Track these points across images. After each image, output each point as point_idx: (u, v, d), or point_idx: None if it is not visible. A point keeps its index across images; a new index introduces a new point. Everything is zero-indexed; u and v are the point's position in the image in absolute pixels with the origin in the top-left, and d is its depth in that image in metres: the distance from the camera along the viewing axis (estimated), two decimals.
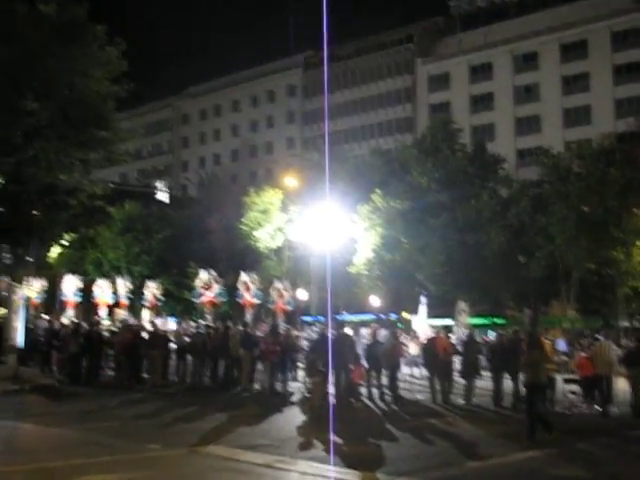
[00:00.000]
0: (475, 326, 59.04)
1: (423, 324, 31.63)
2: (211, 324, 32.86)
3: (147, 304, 47.21)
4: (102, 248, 67.32)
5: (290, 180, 54.52)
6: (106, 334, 30.51)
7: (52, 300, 53.98)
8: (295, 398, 24.78)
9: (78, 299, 49.09)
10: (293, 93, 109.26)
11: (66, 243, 71.12)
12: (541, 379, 17.59)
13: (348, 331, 27.94)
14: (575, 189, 47.25)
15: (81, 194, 31.61)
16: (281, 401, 23.13)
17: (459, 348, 25.81)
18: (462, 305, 53.72)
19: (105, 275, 60.09)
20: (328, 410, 17.89)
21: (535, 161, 57.22)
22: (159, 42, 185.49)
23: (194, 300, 45.29)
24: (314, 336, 30.22)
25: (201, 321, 38.18)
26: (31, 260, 42.57)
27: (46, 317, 40.23)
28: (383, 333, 29.57)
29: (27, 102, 27.70)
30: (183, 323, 35.53)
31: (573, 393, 22.50)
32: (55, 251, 71.12)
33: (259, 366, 27.31)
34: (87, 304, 49.75)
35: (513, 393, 22.90)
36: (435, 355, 24.44)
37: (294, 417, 20.65)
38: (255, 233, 56.09)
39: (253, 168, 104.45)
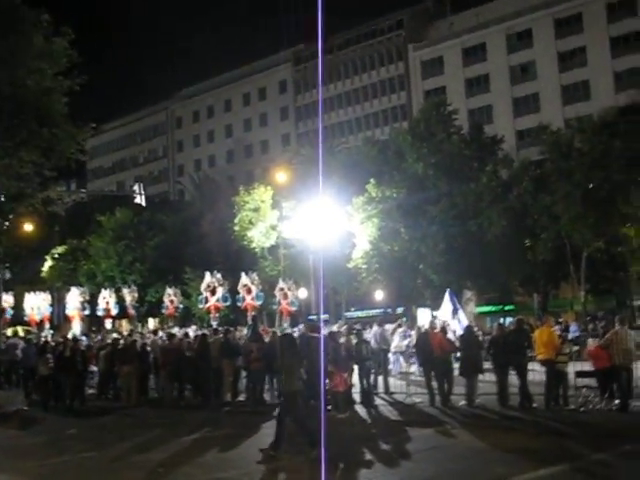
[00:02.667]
0: (483, 314, 57.46)
1: (447, 315, 29.26)
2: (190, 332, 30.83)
3: (165, 312, 45.57)
4: (94, 259, 65.47)
5: (280, 175, 52.40)
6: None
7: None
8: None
9: (85, 312, 47.13)
10: (284, 89, 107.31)
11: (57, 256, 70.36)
12: (295, 385, 15.24)
13: (340, 331, 25.33)
14: (578, 165, 45.18)
15: (30, 200, 28.84)
16: (262, 417, 20.30)
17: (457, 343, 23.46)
18: (468, 294, 52.03)
19: (98, 286, 58.62)
20: (308, 428, 14.98)
21: (535, 140, 55.15)
22: (149, 46, 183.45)
23: (200, 307, 43.53)
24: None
25: (177, 329, 36.24)
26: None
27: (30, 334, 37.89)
28: (375, 329, 27.05)
29: None
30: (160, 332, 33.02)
31: (587, 387, 20.03)
32: (47, 265, 69.98)
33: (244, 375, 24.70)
34: (93, 317, 47.88)
35: (520, 391, 20.42)
36: (430, 352, 22.00)
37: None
38: (248, 233, 53.98)
39: (249, 168, 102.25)
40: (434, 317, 29.24)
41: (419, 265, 49.49)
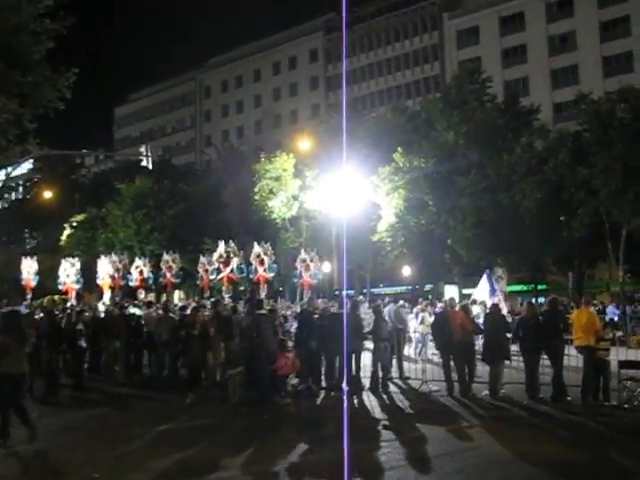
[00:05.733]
0: (514, 293, 54.73)
1: (484, 294, 26.81)
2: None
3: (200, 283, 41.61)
4: (112, 227, 63.49)
5: (304, 143, 49.93)
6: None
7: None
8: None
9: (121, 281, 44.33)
10: (315, 58, 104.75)
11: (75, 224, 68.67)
12: (19, 368, 13.56)
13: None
14: (619, 136, 42.41)
15: (4, 153, 26.24)
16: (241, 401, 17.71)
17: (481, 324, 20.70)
18: (499, 271, 49.39)
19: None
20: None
21: (574, 112, 52.12)
22: (178, 15, 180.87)
23: (211, 278, 40.62)
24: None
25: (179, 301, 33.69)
26: None
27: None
28: (390, 307, 24.28)
29: None
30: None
31: (633, 380, 17.14)
32: (66, 233, 68.43)
33: None
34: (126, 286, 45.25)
35: (553, 381, 17.67)
36: (449, 334, 19.30)
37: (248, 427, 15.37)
38: (269, 203, 51.59)
39: (278, 139, 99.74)
40: (464, 296, 26.21)
41: (447, 239, 47.09)
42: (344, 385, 19.03)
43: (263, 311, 19.41)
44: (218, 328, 20.00)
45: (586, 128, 46.52)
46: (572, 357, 18.50)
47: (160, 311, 25.31)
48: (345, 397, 17.59)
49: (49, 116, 26.48)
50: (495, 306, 20.61)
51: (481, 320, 22.90)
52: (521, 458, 12.15)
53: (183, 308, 25.79)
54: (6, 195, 76.55)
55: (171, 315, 23.97)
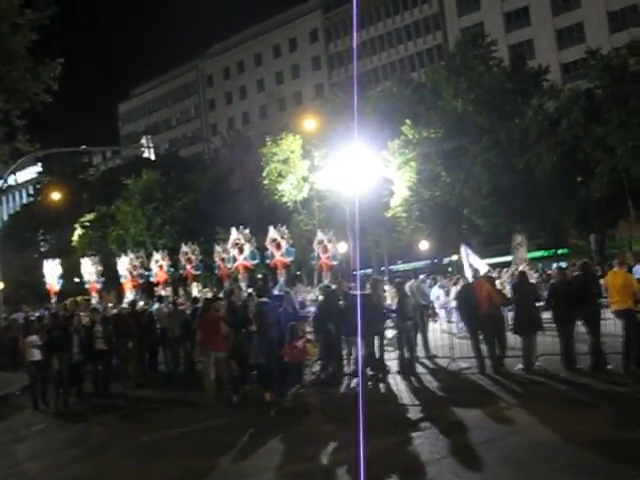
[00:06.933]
0: (535, 260, 53.56)
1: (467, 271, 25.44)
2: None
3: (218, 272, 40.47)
4: (122, 224, 62.76)
5: (309, 123, 48.85)
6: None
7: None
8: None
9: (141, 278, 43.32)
10: (315, 38, 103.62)
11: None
12: None
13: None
14: (634, 90, 41.55)
15: None
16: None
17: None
18: (518, 238, 48.55)
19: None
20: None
21: (583, 71, 50.73)
22: (174, 5, 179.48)
23: (228, 266, 39.44)
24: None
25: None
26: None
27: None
28: (411, 282, 22.96)
29: None
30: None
31: None
32: (77, 233, 67.97)
33: None
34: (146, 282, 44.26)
35: (591, 350, 16.58)
36: (475, 307, 18.23)
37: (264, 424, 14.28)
38: (278, 186, 50.56)
39: (283, 122, 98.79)
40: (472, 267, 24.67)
41: (463, 210, 45.91)
42: (369, 370, 18.10)
43: (264, 299, 18.36)
44: (231, 319, 18.94)
45: (598, 85, 45.44)
46: (609, 323, 17.36)
47: (170, 305, 24.38)
48: (370, 382, 16.62)
49: (52, 117, 25.56)
50: (522, 274, 19.46)
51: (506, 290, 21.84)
52: (570, 440, 10.95)
53: (195, 300, 24.75)
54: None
55: (181, 309, 23.05)
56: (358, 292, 19.06)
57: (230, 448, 12.57)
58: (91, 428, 16.22)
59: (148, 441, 13.83)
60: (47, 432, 14.23)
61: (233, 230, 36.99)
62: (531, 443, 11.07)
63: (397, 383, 17.62)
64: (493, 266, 34.66)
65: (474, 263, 24.27)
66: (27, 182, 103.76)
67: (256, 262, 37.46)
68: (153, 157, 32.77)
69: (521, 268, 23.74)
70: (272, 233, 35.18)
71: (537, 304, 18.06)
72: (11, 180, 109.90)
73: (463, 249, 26.27)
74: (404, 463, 10.73)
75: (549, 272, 38.37)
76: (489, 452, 10.77)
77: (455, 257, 52.58)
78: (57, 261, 47.94)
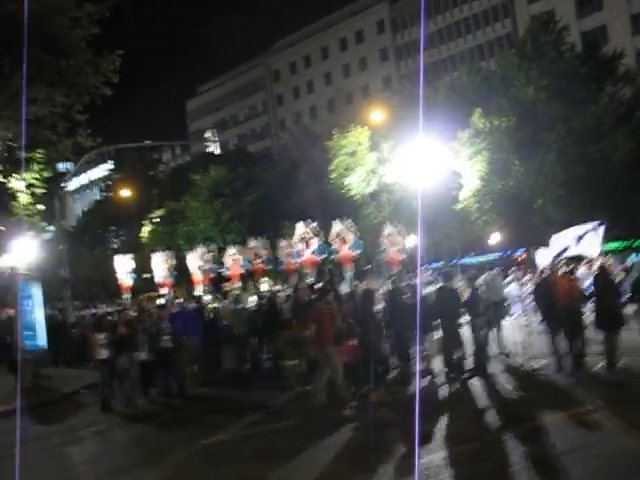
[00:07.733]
0: (610, 252, 51.96)
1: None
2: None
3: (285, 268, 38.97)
4: (191, 220, 62.86)
5: (377, 114, 48.08)
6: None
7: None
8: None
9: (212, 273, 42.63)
10: (382, 29, 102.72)
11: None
12: None
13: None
14: None
15: (54, 147, 24.69)
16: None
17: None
18: None
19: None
20: None
21: None
22: (239, 2, 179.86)
23: (294, 261, 38.66)
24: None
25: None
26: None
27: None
28: (483, 277, 21.87)
29: None
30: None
31: None
32: (146, 230, 68.38)
33: None
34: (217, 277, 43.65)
35: None
36: (553, 302, 17.19)
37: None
38: (345, 180, 49.79)
39: (351, 115, 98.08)
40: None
41: (537, 200, 44.58)
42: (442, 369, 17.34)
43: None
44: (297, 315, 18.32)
45: None
46: None
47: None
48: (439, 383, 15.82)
49: (121, 116, 25.15)
50: (603, 268, 18.40)
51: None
52: None
53: (261, 297, 24.14)
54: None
55: (243, 306, 22.51)
56: (418, 286, 18.39)
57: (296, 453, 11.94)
58: (151, 430, 15.74)
59: (208, 445, 13.24)
60: (106, 433, 13.73)
61: (298, 224, 36.19)
62: (623, 452, 10.00)
63: (471, 384, 16.75)
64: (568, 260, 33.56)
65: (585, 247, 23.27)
66: (99, 179, 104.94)
67: (324, 256, 36.63)
68: (218, 151, 32.43)
69: (601, 261, 22.45)
70: (337, 227, 34.12)
71: (620, 299, 17.03)
72: (84, 178, 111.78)
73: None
74: (480, 474, 9.86)
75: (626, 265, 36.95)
76: (577, 462, 9.79)
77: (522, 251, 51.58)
78: (129, 256, 47.82)
